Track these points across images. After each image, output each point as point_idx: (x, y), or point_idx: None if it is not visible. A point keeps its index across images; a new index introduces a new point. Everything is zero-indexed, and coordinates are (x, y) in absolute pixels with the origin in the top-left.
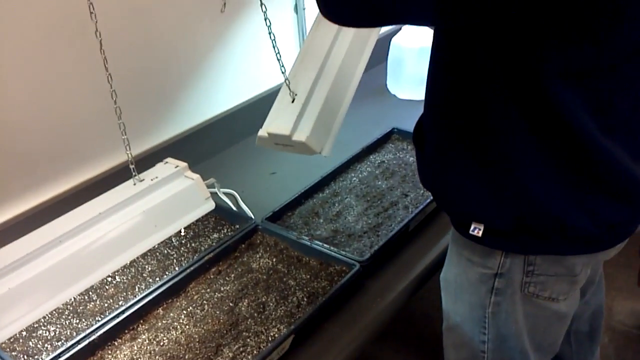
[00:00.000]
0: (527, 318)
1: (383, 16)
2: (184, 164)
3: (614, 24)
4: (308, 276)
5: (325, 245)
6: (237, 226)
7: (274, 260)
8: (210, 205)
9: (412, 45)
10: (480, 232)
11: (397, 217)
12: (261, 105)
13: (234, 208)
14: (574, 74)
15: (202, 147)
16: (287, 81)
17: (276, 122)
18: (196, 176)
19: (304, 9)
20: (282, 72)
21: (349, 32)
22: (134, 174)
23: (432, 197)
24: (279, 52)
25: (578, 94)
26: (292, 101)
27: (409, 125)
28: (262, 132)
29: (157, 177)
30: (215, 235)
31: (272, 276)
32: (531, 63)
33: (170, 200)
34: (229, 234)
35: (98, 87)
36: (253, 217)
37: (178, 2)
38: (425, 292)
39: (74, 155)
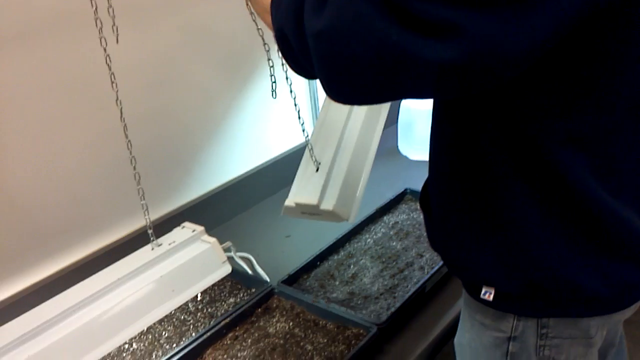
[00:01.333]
0: None
1: (384, 94)
2: (201, 228)
3: (611, 85)
4: (325, 340)
5: (341, 308)
6: (253, 290)
7: (291, 324)
8: (227, 269)
9: (422, 107)
10: (492, 296)
11: (413, 278)
12: (272, 170)
13: (250, 272)
14: (576, 139)
15: (218, 212)
16: (311, 151)
17: (303, 192)
18: (213, 240)
19: None
20: (307, 142)
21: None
22: (152, 239)
23: None
24: (303, 123)
25: (582, 159)
26: (317, 170)
27: (421, 186)
28: (289, 202)
29: (174, 242)
30: (232, 300)
31: (289, 341)
32: (532, 131)
33: (188, 265)
34: (245, 298)
35: (113, 154)
36: (269, 280)
37: (193, 74)
38: (443, 357)
39: (91, 223)
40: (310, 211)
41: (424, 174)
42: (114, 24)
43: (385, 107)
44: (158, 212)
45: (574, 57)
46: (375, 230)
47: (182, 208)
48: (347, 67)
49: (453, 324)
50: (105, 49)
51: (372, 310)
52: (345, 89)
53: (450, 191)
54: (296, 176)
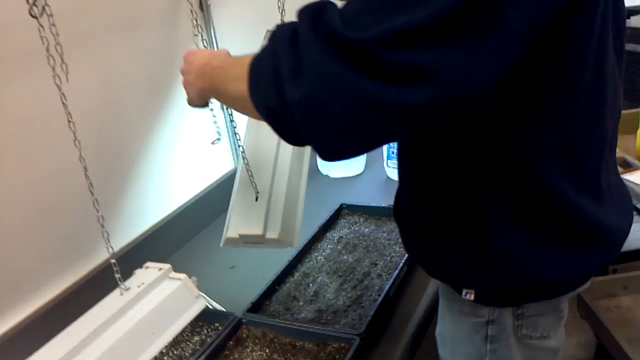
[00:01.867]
0: None
1: (372, 143)
2: (167, 266)
3: (574, 92)
4: None
5: (317, 325)
6: (217, 324)
7: (267, 351)
8: (201, 303)
9: None
10: (472, 296)
11: (375, 286)
12: (200, 204)
13: (209, 306)
14: (546, 145)
15: (154, 251)
16: (251, 178)
17: (245, 223)
18: (183, 276)
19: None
20: (250, 175)
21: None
22: (120, 283)
23: (404, 259)
24: (243, 151)
25: (552, 162)
26: (256, 199)
27: (351, 200)
28: (231, 234)
29: (143, 283)
30: (197, 338)
31: None
32: (502, 140)
33: (163, 304)
34: (211, 333)
35: (50, 198)
36: (230, 312)
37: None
38: (422, 352)
39: (35, 274)
40: (254, 240)
41: (348, 190)
42: (62, 62)
43: None
44: (92, 261)
45: (535, 70)
46: (323, 248)
47: (121, 251)
48: (332, 128)
49: (424, 318)
50: (59, 87)
51: (345, 324)
52: (334, 148)
53: (423, 203)
54: (232, 206)
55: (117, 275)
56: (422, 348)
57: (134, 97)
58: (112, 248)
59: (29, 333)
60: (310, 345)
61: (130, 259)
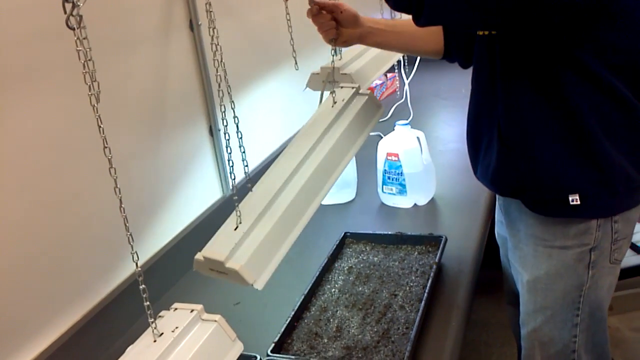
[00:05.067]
0: (609, 288)
1: (465, 21)
2: (200, 306)
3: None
4: None
5: None
6: None
7: None
8: (239, 345)
9: None
10: (579, 200)
11: (401, 319)
12: (191, 238)
13: None
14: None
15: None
16: (237, 211)
17: (213, 247)
18: (217, 317)
19: (219, 130)
20: (235, 202)
21: (310, 167)
22: (153, 330)
23: (427, 288)
24: (234, 178)
25: (628, 81)
26: (235, 228)
27: (346, 228)
28: (198, 255)
29: (177, 328)
30: None
31: None
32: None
33: (202, 350)
34: None
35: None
36: (252, 354)
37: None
38: None
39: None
40: (217, 268)
41: (343, 217)
42: None
43: (333, 178)
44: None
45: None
46: (334, 279)
47: (120, 288)
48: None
49: (456, 345)
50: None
51: None
52: (438, 15)
53: (534, 121)
54: (218, 231)
55: (151, 320)
56: None
57: (125, 124)
58: (146, 289)
59: None
60: None
61: (124, 299)
